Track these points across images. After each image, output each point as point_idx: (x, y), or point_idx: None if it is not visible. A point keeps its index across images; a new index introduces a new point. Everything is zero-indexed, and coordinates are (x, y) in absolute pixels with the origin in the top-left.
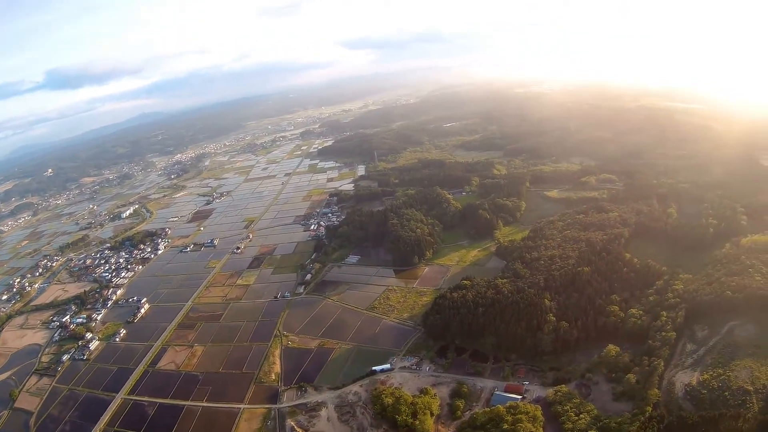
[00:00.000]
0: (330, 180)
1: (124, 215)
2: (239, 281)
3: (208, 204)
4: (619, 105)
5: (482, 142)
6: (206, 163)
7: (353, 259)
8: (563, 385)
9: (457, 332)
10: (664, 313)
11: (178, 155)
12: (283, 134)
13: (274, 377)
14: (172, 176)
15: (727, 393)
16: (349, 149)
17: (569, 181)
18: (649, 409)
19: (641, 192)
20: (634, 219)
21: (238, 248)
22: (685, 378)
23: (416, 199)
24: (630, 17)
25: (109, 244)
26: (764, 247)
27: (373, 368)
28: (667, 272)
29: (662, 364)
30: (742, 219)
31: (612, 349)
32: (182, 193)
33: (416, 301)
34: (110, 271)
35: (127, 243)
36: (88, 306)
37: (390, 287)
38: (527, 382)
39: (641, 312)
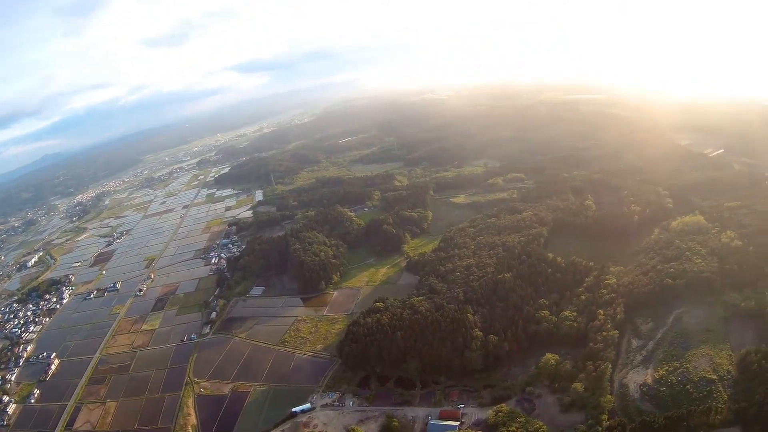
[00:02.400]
0: (228, 208)
1: (29, 264)
2: (144, 326)
3: (109, 245)
4: (518, 103)
5: (380, 155)
6: (106, 202)
7: (257, 291)
8: (503, 404)
9: (377, 360)
10: (601, 311)
11: (79, 196)
12: (180, 165)
13: (191, 431)
14: (74, 218)
15: (689, 386)
16: (246, 175)
17: (475, 184)
18: (605, 417)
19: (554, 187)
20: (551, 216)
21: (140, 290)
22: (638, 377)
23: (317, 221)
24: (519, 16)
25: (16, 297)
26: (696, 228)
27: (293, 410)
28: (595, 267)
29: (609, 366)
30: (668, 202)
31: (550, 357)
32: (84, 236)
33: (329, 330)
34: (19, 326)
35: (34, 294)
36: (2, 366)
37: (299, 318)
38: (462, 405)
39: (575, 313)
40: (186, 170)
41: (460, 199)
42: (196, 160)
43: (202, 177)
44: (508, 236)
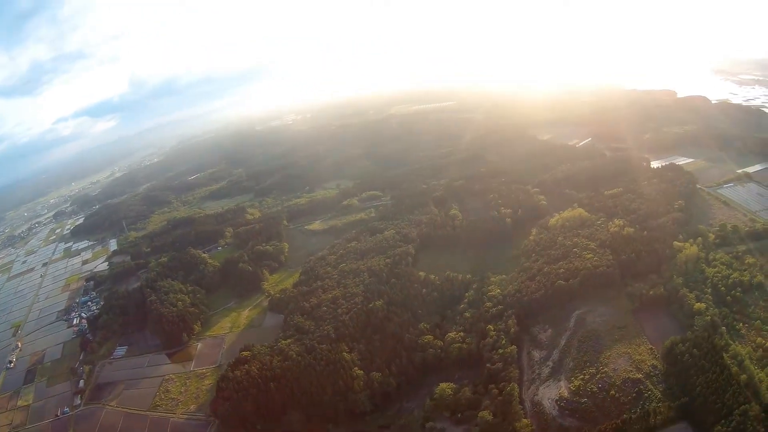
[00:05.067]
0: (85, 262)
1: None
2: (20, 402)
3: None
4: (367, 118)
5: (230, 188)
6: None
7: (121, 350)
8: None
9: (255, 416)
10: (491, 326)
11: None
12: (38, 219)
13: None
14: None
15: (613, 392)
16: (100, 224)
17: (330, 208)
18: None
19: (414, 201)
20: (415, 232)
21: (10, 362)
22: (551, 392)
23: (171, 267)
24: (359, 31)
25: None
26: (578, 222)
27: None
28: (474, 280)
29: (516, 386)
30: (541, 199)
31: (445, 387)
32: None
33: (199, 387)
34: None
35: None
36: None
37: (166, 377)
38: None
39: (462, 334)
40: (44, 224)
41: (316, 225)
42: (53, 212)
43: (59, 230)
44: (373, 259)
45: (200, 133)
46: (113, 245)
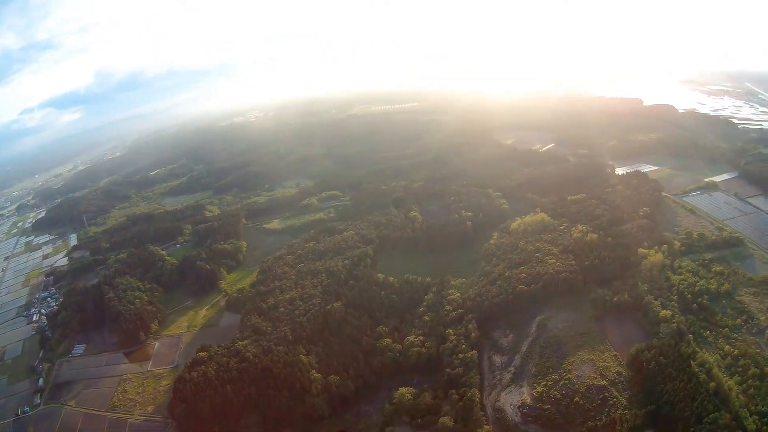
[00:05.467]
0: (46, 257)
1: None
2: None
3: None
4: (329, 118)
5: (190, 185)
6: None
7: (79, 349)
8: None
9: (213, 419)
10: (451, 330)
11: None
12: (1, 212)
13: None
14: None
15: (577, 398)
16: (61, 218)
17: (289, 207)
18: None
19: (374, 201)
20: (374, 233)
21: None
22: (513, 399)
23: (129, 264)
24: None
25: None
26: (540, 227)
27: None
28: (434, 283)
29: (477, 392)
30: (503, 203)
31: (405, 392)
32: None
33: (156, 388)
34: None
35: None
36: None
37: (124, 376)
38: None
39: (421, 337)
40: (7, 218)
41: (275, 224)
42: (16, 205)
43: (21, 224)
44: (331, 260)
45: (163, 128)
46: (74, 240)
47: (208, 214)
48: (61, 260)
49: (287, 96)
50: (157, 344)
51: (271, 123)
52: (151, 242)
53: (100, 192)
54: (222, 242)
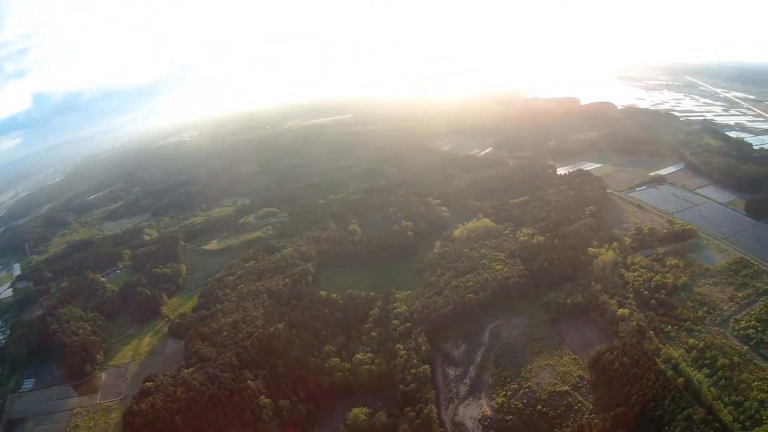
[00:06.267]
0: None
1: None
2: None
3: None
4: (263, 133)
5: (128, 208)
6: None
7: (29, 383)
8: None
9: None
10: (400, 345)
11: None
12: None
13: None
14: None
15: (540, 406)
16: (5, 247)
17: (227, 226)
18: None
19: (312, 217)
20: (314, 249)
21: None
22: (472, 412)
23: (71, 293)
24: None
25: None
26: (484, 233)
27: None
28: (378, 297)
29: (434, 407)
30: (443, 211)
31: (359, 412)
32: None
33: (107, 422)
34: None
35: None
36: None
37: (75, 411)
38: None
39: (370, 354)
40: None
41: (213, 245)
42: None
43: None
44: (272, 280)
45: (102, 150)
46: (17, 270)
47: (146, 237)
48: (6, 291)
49: (222, 112)
50: (104, 375)
51: (206, 141)
52: (91, 269)
53: (41, 219)
54: (161, 266)
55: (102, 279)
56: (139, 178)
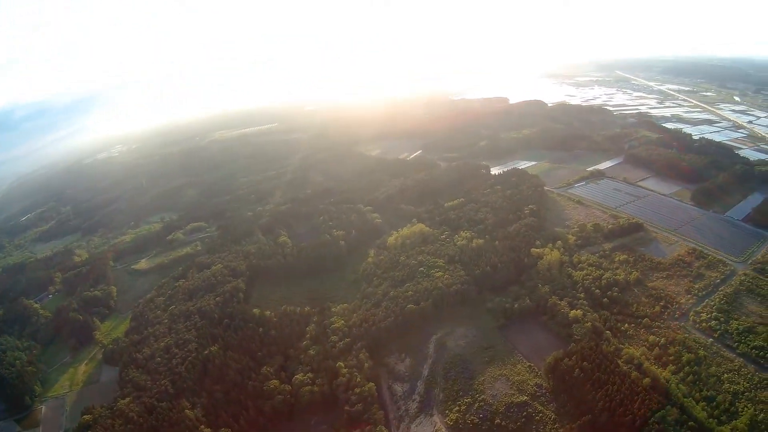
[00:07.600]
0: None
1: None
2: None
3: None
4: (189, 146)
5: (59, 228)
6: None
7: None
8: None
9: None
10: (341, 363)
11: None
12: None
13: None
14: None
15: (498, 419)
16: None
17: (155, 244)
18: None
19: (240, 230)
20: (244, 264)
21: None
22: (425, 430)
23: (5, 321)
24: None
25: None
26: (420, 239)
27: None
28: (314, 312)
29: (384, 429)
30: (375, 218)
31: None
32: None
33: None
34: None
35: None
36: None
37: None
38: None
39: (310, 375)
40: None
41: (143, 264)
42: None
43: None
44: (203, 299)
45: (33, 170)
46: None
47: (77, 258)
48: None
49: (150, 125)
50: (43, 408)
51: (133, 156)
52: (24, 295)
53: None
54: (92, 289)
55: (35, 305)
56: (70, 196)
